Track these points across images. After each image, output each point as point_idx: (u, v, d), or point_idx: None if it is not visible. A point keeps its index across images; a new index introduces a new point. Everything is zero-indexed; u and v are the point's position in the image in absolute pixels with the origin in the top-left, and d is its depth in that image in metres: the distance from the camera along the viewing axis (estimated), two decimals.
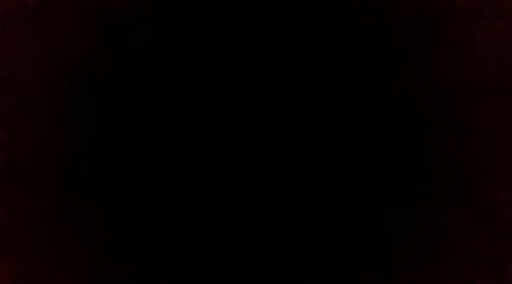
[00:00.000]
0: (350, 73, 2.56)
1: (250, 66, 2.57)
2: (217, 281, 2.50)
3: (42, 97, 2.54)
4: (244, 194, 2.53)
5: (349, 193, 2.52)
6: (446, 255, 2.48)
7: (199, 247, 2.51)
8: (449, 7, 2.55)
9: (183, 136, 2.55)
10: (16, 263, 2.48)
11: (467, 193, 2.50)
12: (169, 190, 2.53)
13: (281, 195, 2.53)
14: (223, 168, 2.54)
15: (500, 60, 2.52)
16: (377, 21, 2.56)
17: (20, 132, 2.52)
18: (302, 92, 2.57)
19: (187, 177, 2.54)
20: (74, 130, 2.53)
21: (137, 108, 2.56)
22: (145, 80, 2.56)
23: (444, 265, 2.47)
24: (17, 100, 2.53)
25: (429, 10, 2.56)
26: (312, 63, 2.57)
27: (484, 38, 2.53)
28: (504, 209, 2.47)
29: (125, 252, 2.49)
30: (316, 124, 2.55)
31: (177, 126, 2.55)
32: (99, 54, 2.56)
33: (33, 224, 2.50)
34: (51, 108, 2.54)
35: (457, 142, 2.52)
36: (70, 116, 2.54)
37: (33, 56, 2.55)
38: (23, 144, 2.52)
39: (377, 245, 2.49)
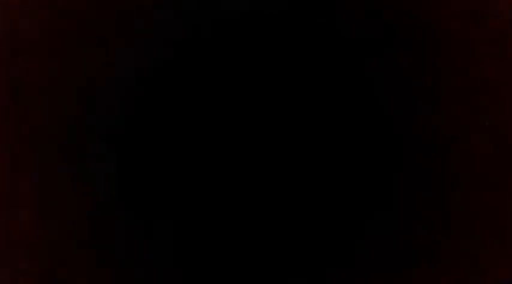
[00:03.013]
0: (350, 76, 2.56)
1: (251, 67, 2.57)
2: None
3: (45, 101, 2.54)
4: (245, 201, 2.53)
5: (349, 201, 2.52)
6: (446, 262, 2.48)
7: (198, 251, 2.52)
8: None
9: (185, 136, 2.55)
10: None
11: (468, 197, 2.50)
12: (167, 193, 2.54)
13: (282, 203, 2.53)
14: (224, 177, 2.54)
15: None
16: (378, 22, 2.57)
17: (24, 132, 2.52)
18: (302, 93, 2.57)
19: (187, 179, 2.54)
20: (73, 129, 2.54)
21: (138, 108, 2.56)
22: (145, 80, 2.57)
23: (445, 273, 2.48)
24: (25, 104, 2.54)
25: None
26: (312, 64, 2.58)
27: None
28: (505, 216, 2.48)
29: (125, 253, 2.50)
30: (316, 128, 2.56)
31: (178, 127, 2.56)
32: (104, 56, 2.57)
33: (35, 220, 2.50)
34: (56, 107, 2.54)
35: (458, 146, 2.52)
36: (72, 114, 2.55)
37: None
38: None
39: (377, 254, 2.49)
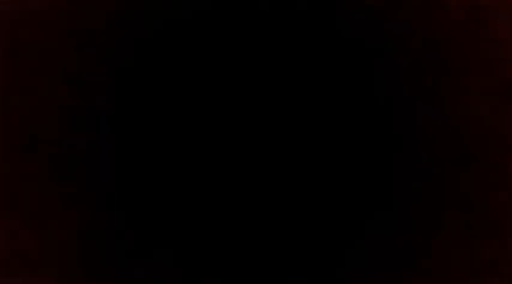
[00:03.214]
0: (349, 76, 2.56)
1: (248, 66, 2.57)
2: None
3: (43, 95, 2.54)
4: (245, 202, 2.53)
5: (349, 201, 2.52)
6: (446, 262, 2.48)
7: (198, 251, 2.51)
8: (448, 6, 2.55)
9: (182, 136, 2.55)
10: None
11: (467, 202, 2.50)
12: (165, 193, 2.53)
13: (281, 203, 2.53)
14: (223, 178, 2.54)
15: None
16: (376, 22, 2.56)
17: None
18: (302, 94, 2.56)
19: (187, 179, 2.54)
20: (73, 129, 2.54)
21: (137, 107, 2.56)
22: (143, 80, 2.56)
23: (445, 273, 2.48)
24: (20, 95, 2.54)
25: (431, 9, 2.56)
26: (310, 63, 2.57)
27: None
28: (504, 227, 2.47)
29: (125, 253, 2.50)
30: (316, 128, 2.55)
31: (176, 127, 2.55)
32: (98, 53, 2.56)
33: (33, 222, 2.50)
34: (52, 104, 2.54)
35: (458, 146, 2.52)
36: (71, 115, 2.54)
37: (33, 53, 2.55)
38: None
39: (377, 254, 2.49)
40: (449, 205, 2.49)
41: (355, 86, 2.55)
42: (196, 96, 2.56)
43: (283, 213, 2.52)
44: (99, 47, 2.55)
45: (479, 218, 2.48)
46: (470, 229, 2.48)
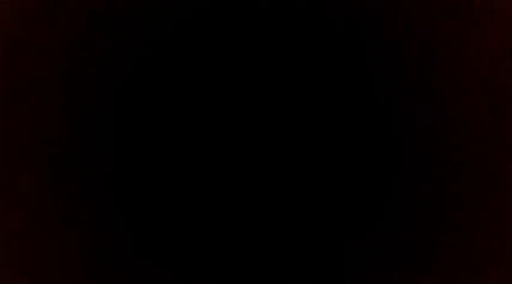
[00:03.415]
0: (347, 74, 2.56)
1: (248, 65, 2.57)
2: None
3: (39, 94, 2.54)
4: (246, 204, 2.53)
5: (349, 200, 2.52)
6: (447, 262, 2.48)
7: (200, 248, 2.52)
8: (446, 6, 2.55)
9: (182, 136, 2.55)
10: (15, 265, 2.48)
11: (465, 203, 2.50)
12: (167, 191, 2.53)
13: (280, 203, 2.53)
14: (223, 180, 2.54)
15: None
16: (374, 20, 2.56)
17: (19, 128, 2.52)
18: (300, 93, 2.56)
19: (186, 179, 2.54)
20: (72, 130, 2.54)
21: (138, 107, 2.56)
22: (143, 79, 2.56)
23: (445, 273, 2.48)
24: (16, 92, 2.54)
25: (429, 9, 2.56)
26: (310, 63, 2.57)
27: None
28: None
29: (125, 254, 2.50)
30: (316, 128, 2.55)
31: (176, 126, 2.55)
32: (98, 52, 2.56)
33: (32, 225, 2.50)
34: (49, 103, 2.54)
35: (458, 146, 2.52)
36: (69, 114, 2.54)
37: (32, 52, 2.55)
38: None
39: (377, 254, 2.49)
40: (449, 205, 2.49)
41: (355, 86, 2.55)
42: (197, 96, 2.56)
43: (282, 213, 2.52)
44: (99, 47, 2.55)
45: (479, 218, 2.48)
46: (470, 229, 2.48)
